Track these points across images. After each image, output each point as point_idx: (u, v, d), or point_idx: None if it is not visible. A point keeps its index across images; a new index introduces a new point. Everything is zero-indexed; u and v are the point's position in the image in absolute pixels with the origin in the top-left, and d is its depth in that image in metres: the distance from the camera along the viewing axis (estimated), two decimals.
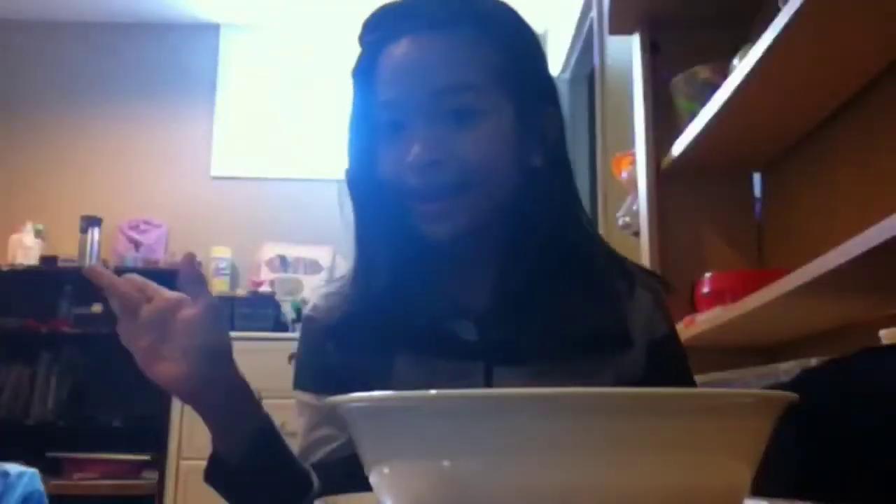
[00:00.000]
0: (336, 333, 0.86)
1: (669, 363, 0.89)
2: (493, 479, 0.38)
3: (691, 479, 0.38)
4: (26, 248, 4.01)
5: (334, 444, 0.84)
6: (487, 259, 0.86)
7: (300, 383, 0.90)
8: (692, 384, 0.92)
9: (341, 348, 0.86)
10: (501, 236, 0.85)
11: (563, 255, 0.83)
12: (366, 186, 0.85)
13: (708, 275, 1.58)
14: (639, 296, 0.87)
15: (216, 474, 0.77)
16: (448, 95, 0.79)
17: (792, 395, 0.42)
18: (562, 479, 0.37)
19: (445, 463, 0.39)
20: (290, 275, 4.10)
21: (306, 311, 0.94)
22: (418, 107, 0.79)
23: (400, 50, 0.81)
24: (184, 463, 3.48)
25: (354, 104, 0.86)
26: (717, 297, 1.52)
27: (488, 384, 0.81)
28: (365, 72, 0.84)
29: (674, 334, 0.91)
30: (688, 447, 0.38)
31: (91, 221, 4.07)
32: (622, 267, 0.89)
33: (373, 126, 0.83)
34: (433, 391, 0.39)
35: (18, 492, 2.42)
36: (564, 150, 0.87)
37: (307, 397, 0.89)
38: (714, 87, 1.54)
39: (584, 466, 0.37)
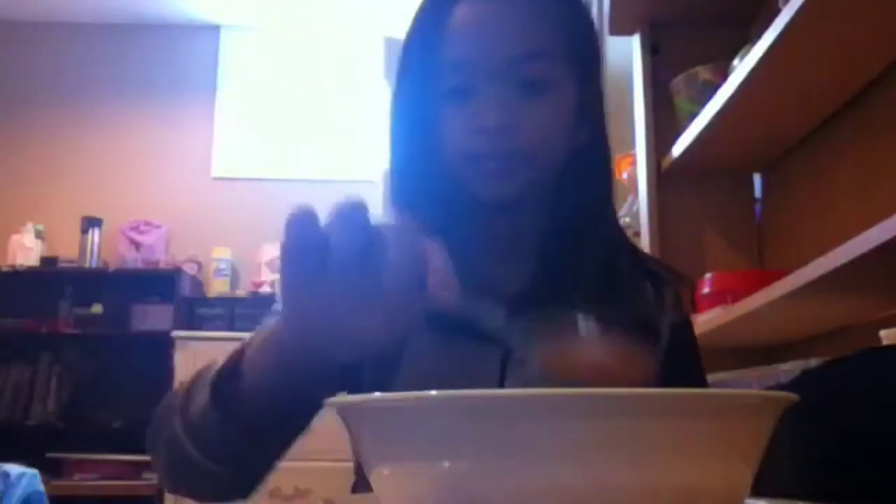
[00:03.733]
0: None
1: (683, 348, 0.87)
2: (493, 480, 0.38)
3: (691, 480, 0.38)
4: (27, 249, 4.01)
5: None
6: (523, 243, 0.84)
7: None
8: (701, 371, 0.91)
9: None
10: (541, 214, 0.84)
11: (595, 252, 0.81)
12: (417, 149, 0.81)
13: (708, 275, 1.58)
14: (664, 295, 0.86)
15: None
16: (523, 63, 0.76)
17: (792, 396, 0.41)
18: (561, 479, 0.37)
19: (445, 464, 0.39)
20: None
21: None
22: (491, 72, 0.76)
23: (476, 9, 0.77)
24: None
25: (410, 62, 0.81)
26: (717, 298, 1.52)
27: (502, 374, 0.78)
28: (431, 26, 0.79)
29: (689, 322, 0.91)
30: (688, 447, 0.38)
31: (91, 222, 4.08)
32: (646, 267, 0.88)
33: (433, 88, 0.79)
34: (433, 392, 0.39)
35: (19, 493, 2.42)
36: (606, 129, 0.86)
37: None
38: (714, 87, 1.54)
39: (584, 467, 0.37)
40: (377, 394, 0.41)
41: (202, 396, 0.63)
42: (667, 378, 0.82)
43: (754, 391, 0.40)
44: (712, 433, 0.39)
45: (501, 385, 0.78)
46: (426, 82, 0.79)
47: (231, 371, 0.63)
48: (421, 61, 0.80)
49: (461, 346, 0.78)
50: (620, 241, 0.87)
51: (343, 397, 0.43)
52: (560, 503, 0.38)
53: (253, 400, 0.61)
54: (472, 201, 0.80)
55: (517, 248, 0.85)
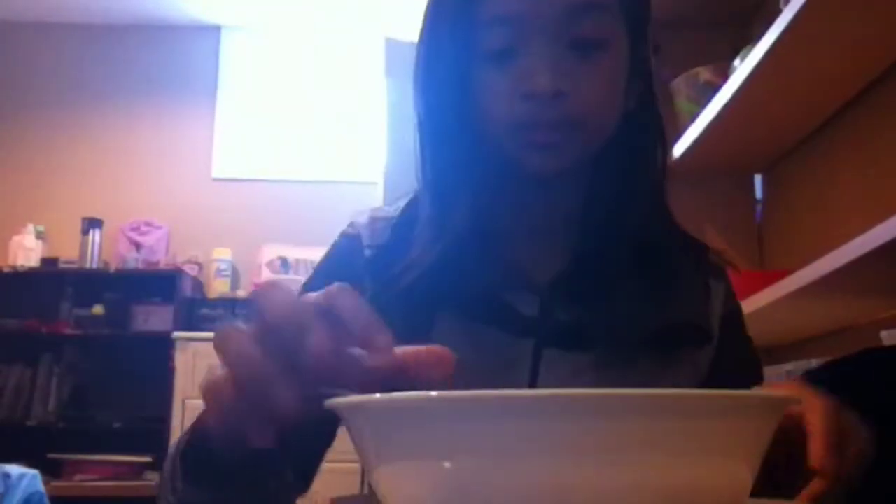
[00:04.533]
0: (378, 265, 0.75)
1: (734, 341, 0.82)
2: (493, 481, 0.38)
3: (692, 480, 0.38)
4: (27, 250, 4.02)
5: None
6: (561, 223, 0.78)
7: (311, 287, 0.62)
8: (757, 359, 0.85)
9: (377, 282, 0.74)
10: (582, 191, 0.77)
11: (639, 234, 0.74)
12: (452, 124, 0.73)
13: None
14: (713, 288, 0.81)
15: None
16: (578, 18, 0.68)
17: (793, 396, 0.41)
18: (562, 479, 0.37)
19: (446, 464, 0.39)
20: (290, 276, 4.10)
21: (349, 230, 0.81)
22: (542, 29, 0.68)
23: None
24: None
25: (440, 22, 0.73)
26: None
27: (535, 366, 0.72)
28: None
29: (740, 310, 0.85)
30: (689, 447, 0.38)
31: (92, 223, 4.08)
32: (695, 254, 0.81)
33: (468, 50, 0.71)
34: (433, 392, 0.39)
35: (19, 493, 2.42)
36: (656, 93, 0.79)
37: None
38: (715, 88, 1.54)
39: (585, 467, 0.37)
40: (377, 394, 0.41)
41: (175, 469, 0.56)
42: (717, 373, 0.76)
43: (754, 391, 0.40)
44: (712, 433, 0.39)
45: (534, 378, 0.72)
46: (460, 43, 0.71)
47: (198, 434, 0.55)
48: (454, 19, 0.71)
49: (494, 337, 0.72)
50: (669, 223, 0.80)
51: (343, 398, 0.43)
52: (559, 503, 0.38)
53: (220, 454, 0.52)
54: (511, 176, 0.74)
55: (555, 228, 0.78)
